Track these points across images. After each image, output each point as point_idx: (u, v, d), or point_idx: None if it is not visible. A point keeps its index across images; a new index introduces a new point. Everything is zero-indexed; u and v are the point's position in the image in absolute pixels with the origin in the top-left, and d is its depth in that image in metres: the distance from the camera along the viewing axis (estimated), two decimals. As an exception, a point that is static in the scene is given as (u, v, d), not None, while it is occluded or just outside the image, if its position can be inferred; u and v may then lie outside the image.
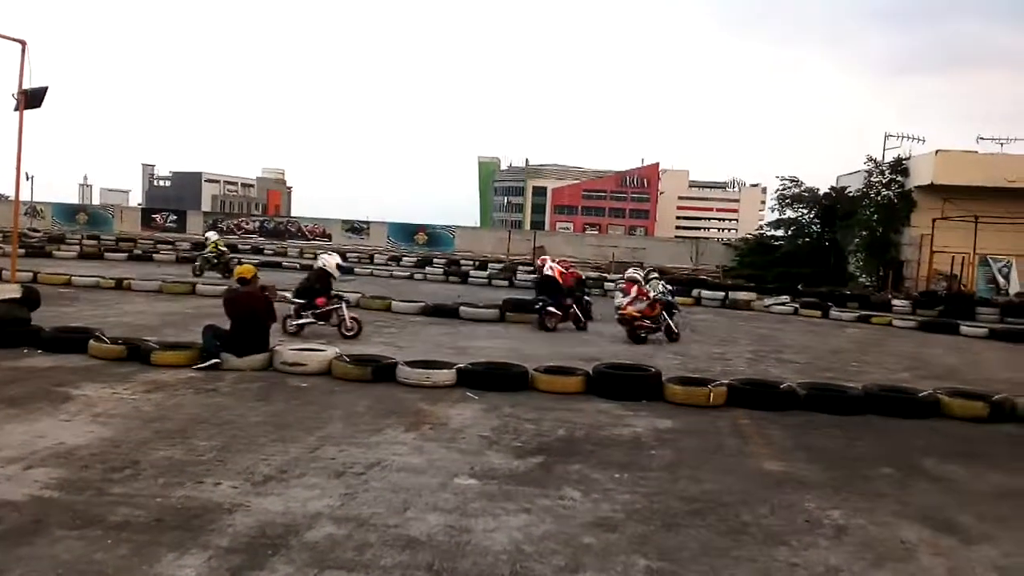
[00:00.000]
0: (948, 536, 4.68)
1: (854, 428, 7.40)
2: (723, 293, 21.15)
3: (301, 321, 10.93)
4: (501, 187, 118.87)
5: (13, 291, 9.46)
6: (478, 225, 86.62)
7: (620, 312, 12.61)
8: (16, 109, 10.71)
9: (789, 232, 32.73)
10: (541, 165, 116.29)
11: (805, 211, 32.44)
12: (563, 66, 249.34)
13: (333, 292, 11.33)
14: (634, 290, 12.65)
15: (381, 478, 5.12)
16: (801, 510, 4.98)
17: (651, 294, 12.72)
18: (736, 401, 7.88)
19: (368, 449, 5.75)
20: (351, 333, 10.97)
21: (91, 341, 8.67)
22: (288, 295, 11.20)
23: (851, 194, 30.99)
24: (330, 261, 11.61)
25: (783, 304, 20.38)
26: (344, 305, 11.19)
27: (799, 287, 24.38)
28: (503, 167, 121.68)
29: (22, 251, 14.77)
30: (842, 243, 30.90)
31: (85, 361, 8.34)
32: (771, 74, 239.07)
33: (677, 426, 7.02)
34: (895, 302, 21.37)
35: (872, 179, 29.77)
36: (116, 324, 10.75)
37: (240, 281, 8.97)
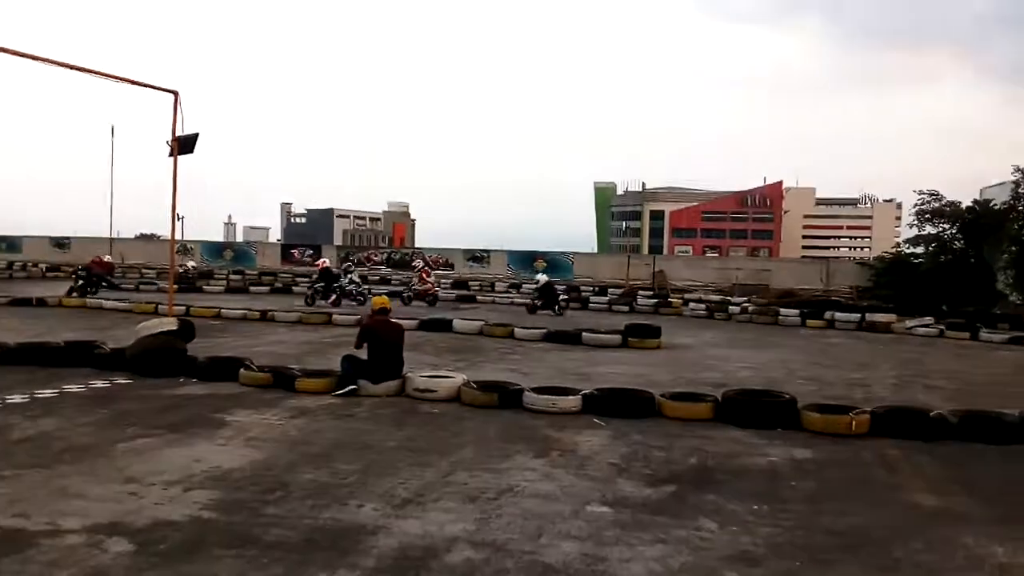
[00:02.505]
0: None
1: (1014, 458, 6.85)
2: (859, 315, 20.05)
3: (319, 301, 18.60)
4: (618, 212, 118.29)
5: (171, 324, 10.26)
6: (595, 251, 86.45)
7: (414, 289, 21.54)
8: (170, 155, 11.58)
9: (930, 249, 30.72)
10: (657, 188, 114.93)
11: (947, 226, 30.41)
12: (678, 88, 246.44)
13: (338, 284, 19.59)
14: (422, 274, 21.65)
15: (514, 504, 5.19)
16: (959, 546, 4.65)
17: (431, 278, 21.97)
18: (880, 430, 7.44)
19: (499, 475, 5.84)
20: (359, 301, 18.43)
21: (241, 369, 9.28)
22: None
23: (997, 207, 28.86)
24: (326, 262, 20.71)
25: (927, 326, 19.11)
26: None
27: (943, 308, 22.82)
28: (619, 192, 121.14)
29: (176, 286, 15.99)
30: (989, 260, 28.72)
31: (236, 388, 8.93)
32: (899, 84, 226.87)
33: (817, 456, 6.72)
34: (1055, 322, 19.61)
35: (1020, 190, 27.63)
36: (262, 353, 11.43)
37: (381, 311, 9.38)
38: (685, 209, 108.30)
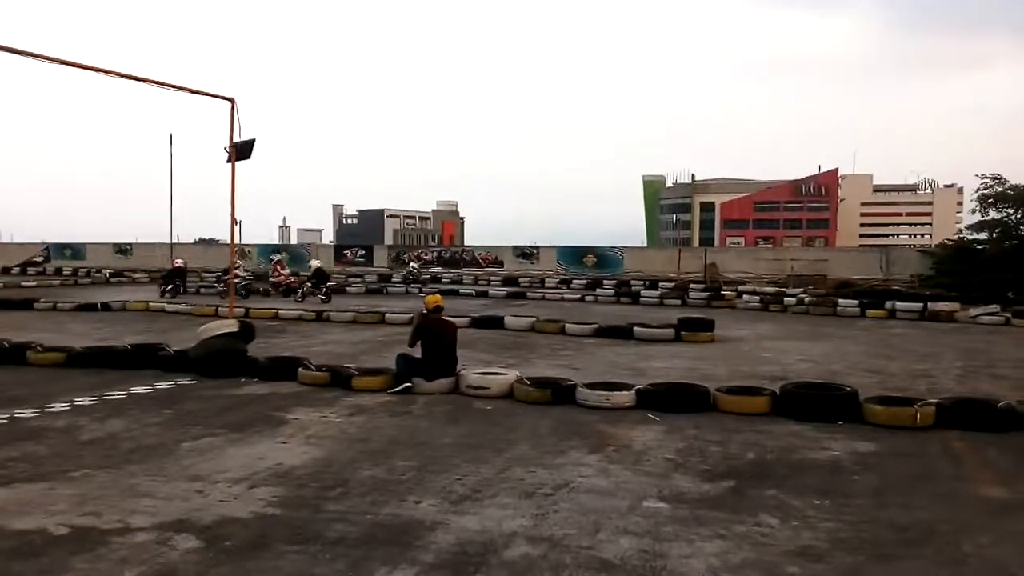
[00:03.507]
0: None
1: (1091, 451, 6.58)
2: (921, 304, 19.46)
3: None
4: (667, 205, 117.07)
5: (231, 325, 10.53)
6: (645, 244, 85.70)
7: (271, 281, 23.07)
8: (228, 161, 11.82)
9: (994, 235, 29.64)
10: (707, 180, 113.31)
11: (1011, 211, 29.30)
12: (728, 77, 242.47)
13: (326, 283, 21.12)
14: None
15: (570, 499, 5.20)
16: (1032, 541, 4.50)
17: (285, 270, 24.05)
18: (946, 422, 7.24)
19: (554, 470, 5.86)
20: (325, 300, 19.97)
21: (300, 369, 9.48)
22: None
23: (1064, 189, 27.72)
24: (315, 264, 22.47)
25: (992, 314, 18.45)
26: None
27: (1009, 295, 22.02)
28: (668, 184, 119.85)
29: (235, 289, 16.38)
30: (1056, 244, 27.60)
31: (295, 387, 9.12)
32: (954, 67, 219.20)
33: (880, 449, 6.56)
34: None
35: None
36: (319, 352, 11.65)
37: (435, 310, 9.49)
38: (736, 200, 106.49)
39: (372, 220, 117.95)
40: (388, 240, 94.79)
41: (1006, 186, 29.51)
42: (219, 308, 17.20)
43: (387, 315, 16.86)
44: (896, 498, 5.30)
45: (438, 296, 9.88)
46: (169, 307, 19.44)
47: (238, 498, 5.19)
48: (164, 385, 9.27)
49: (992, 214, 29.89)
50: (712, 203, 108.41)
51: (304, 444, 6.62)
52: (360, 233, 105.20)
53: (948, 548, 4.39)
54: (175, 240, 43.19)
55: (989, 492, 5.45)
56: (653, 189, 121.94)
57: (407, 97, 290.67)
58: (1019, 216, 29.15)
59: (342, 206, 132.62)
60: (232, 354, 9.95)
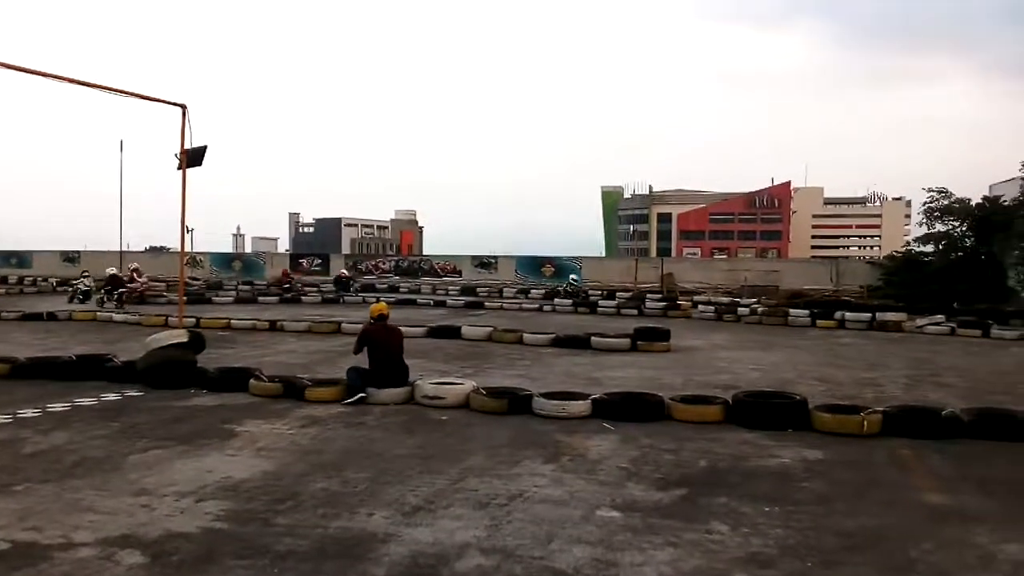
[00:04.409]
0: None
1: (1028, 457, 6.80)
2: (869, 314, 19.92)
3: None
4: (625, 215, 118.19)
5: (181, 335, 10.31)
6: (604, 255, 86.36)
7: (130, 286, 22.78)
8: (179, 168, 11.62)
9: (940, 247, 30.55)
10: (665, 191, 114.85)
11: (957, 224, 30.25)
12: (683, 90, 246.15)
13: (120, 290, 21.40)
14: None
15: (524, 509, 5.19)
16: (971, 545, 4.63)
17: (143, 278, 24.57)
18: (892, 429, 7.41)
19: (509, 480, 5.85)
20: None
21: (251, 380, 9.31)
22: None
23: (1007, 203, 28.71)
24: (110, 271, 23.08)
25: (938, 324, 18.99)
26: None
27: (954, 305, 22.67)
28: (626, 195, 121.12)
29: (185, 298, 16.07)
30: (1000, 256, 28.54)
31: (246, 399, 8.95)
32: (903, 82, 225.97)
33: (828, 456, 6.69)
34: (1067, 317, 19.45)
35: (1031, 186, 27.48)
36: (272, 363, 11.48)
37: (379, 318, 9.51)
38: (693, 211, 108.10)
39: (329, 229, 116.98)
40: (346, 249, 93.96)
41: (952, 199, 30.44)
42: (169, 318, 16.84)
43: (343, 324, 16.68)
44: (843, 505, 5.41)
45: (383, 304, 9.94)
46: (117, 316, 18.98)
47: (185, 512, 5.07)
48: (110, 397, 9.03)
49: (938, 227, 30.80)
50: (669, 214, 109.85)
51: (254, 457, 6.50)
52: (317, 242, 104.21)
53: (893, 554, 4.49)
54: (125, 248, 42.23)
55: (933, 499, 5.59)
56: (611, 200, 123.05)
57: (366, 106, 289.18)
58: (964, 229, 30.09)
59: (298, 214, 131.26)
60: (181, 365, 9.75)
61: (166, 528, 4.75)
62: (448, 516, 5.02)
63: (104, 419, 7.90)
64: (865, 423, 7.41)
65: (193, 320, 16.61)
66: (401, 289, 32.49)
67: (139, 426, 7.60)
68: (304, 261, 44.63)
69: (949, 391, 10.24)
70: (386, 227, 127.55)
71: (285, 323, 17.25)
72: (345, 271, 34.02)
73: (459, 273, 40.53)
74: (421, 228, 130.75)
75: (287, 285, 30.40)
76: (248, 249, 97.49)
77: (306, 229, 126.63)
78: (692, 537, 4.70)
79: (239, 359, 11.89)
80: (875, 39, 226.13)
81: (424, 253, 64.49)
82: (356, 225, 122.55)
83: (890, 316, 19.73)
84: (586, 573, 4.15)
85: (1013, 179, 28.94)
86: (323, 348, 13.88)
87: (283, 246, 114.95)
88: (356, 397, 8.63)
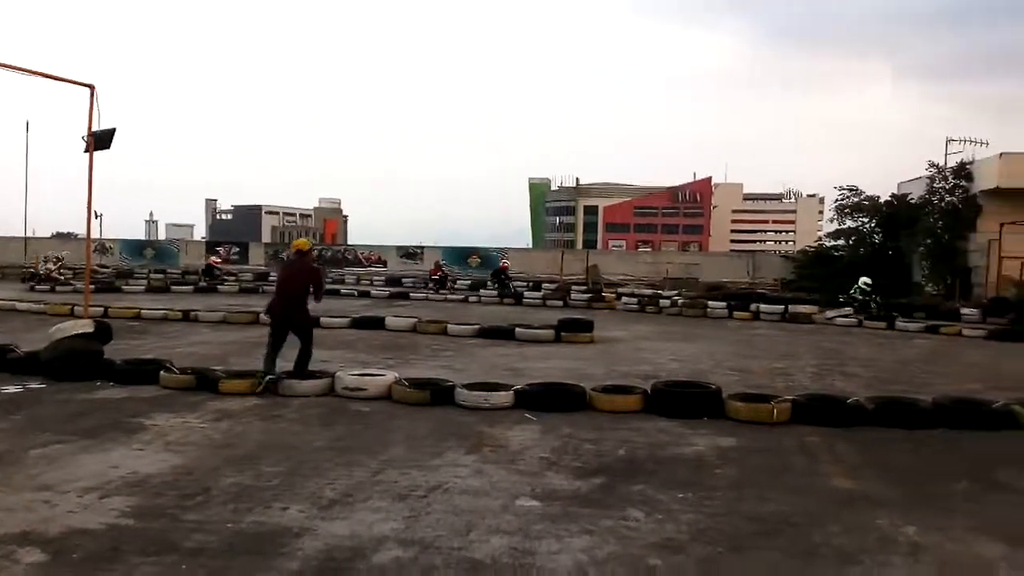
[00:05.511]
0: (1032, 553, 4.49)
1: (926, 442, 7.16)
2: (782, 307, 20.69)
3: None
4: (552, 207, 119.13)
5: (86, 326, 9.83)
6: (530, 246, 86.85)
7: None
8: (86, 151, 11.09)
9: (850, 242, 31.92)
10: (591, 184, 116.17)
11: (866, 220, 31.65)
12: (610, 85, 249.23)
13: None
14: None
15: (444, 501, 5.16)
16: (873, 528, 4.84)
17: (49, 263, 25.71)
18: (801, 417, 7.69)
19: (429, 472, 5.81)
20: None
21: (162, 372, 8.96)
22: None
23: (913, 201, 30.17)
24: None
25: (846, 316, 19.86)
26: None
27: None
28: (554, 187, 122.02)
29: (93, 286, 15.37)
30: (906, 252, 30.01)
31: (156, 391, 8.61)
32: (822, 84, 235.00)
33: (741, 444, 6.89)
34: (964, 311, 20.62)
35: (935, 185, 28.94)
36: (185, 355, 11.09)
37: (297, 253, 9.51)
38: (618, 204, 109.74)
39: (248, 216, 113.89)
40: (266, 238, 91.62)
41: (861, 197, 31.84)
42: (75, 307, 16.08)
43: (262, 316, 16.24)
44: (753, 491, 5.57)
45: (305, 240, 9.92)
46: (21, 305, 18.03)
47: (88, 508, 4.85)
48: (11, 389, 8.58)
49: (848, 223, 32.19)
50: (595, 207, 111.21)
51: (163, 451, 6.26)
52: (235, 230, 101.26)
53: (800, 538, 4.65)
54: (31, 234, 40.11)
55: (838, 484, 5.82)
56: (538, 192, 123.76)
57: (290, 94, 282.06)
58: (873, 225, 31.51)
59: (215, 201, 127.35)
60: (87, 356, 9.30)
61: (68, 525, 4.53)
62: (366, 509, 4.95)
63: (4, 412, 7.49)
64: (775, 411, 7.67)
65: (101, 310, 15.93)
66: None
67: (41, 419, 7.23)
68: (221, 249, 43.33)
69: (855, 380, 10.70)
70: (309, 215, 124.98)
71: (199, 313, 16.71)
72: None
73: (384, 263, 40.12)
74: (346, 217, 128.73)
75: (218, 272, 29.68)
76: (162, 236, 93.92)
77: (224, 216, 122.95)
78: (608, 524, 4.76)
79: (149, 350, 11.47)
80: (796, 41, 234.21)
81: (349, 243, 63.44)
82: (277, 213, 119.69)
83: (802, 308, 20.53)
84: (504, 563, 4.16)
85: (919, 178, 30.39)
86: (239, 339, 13.50)
87: (199, 233, 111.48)
88: (265, 380, 8.50)
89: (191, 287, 26.82)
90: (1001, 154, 26.78)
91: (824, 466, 6.34)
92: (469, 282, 30.53)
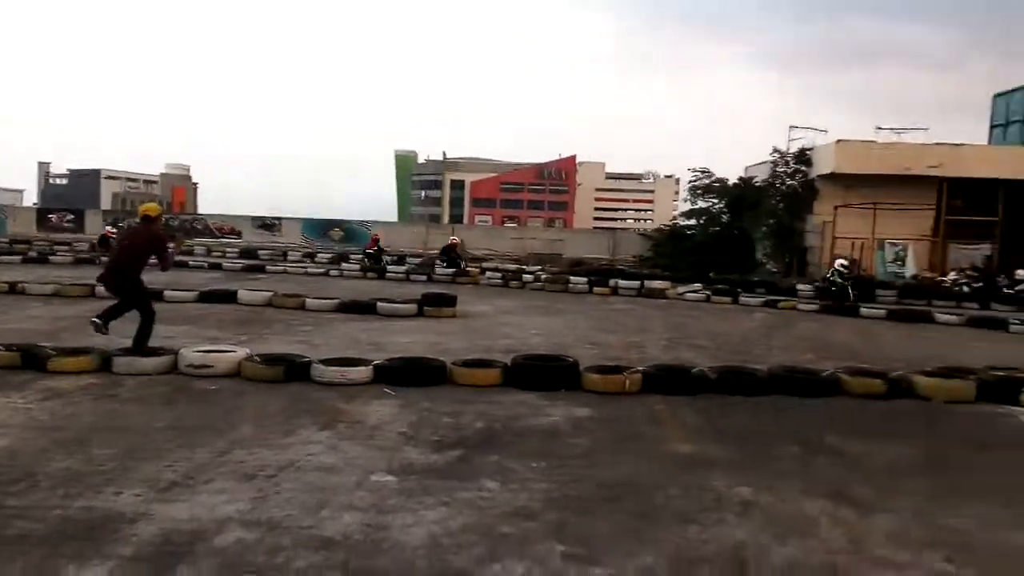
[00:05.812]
0: (848, 508, 4.91)
1: (761, 408, 7.68)
2: (639, 282, 21.54)
3: None
4: (419, 181, 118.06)
5: None
6: (396, 220, 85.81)
7: None
8: None
9: (701, 222, 33.60)
10: (459, 158, 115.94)
11: (716, 201, 33.38)
12: (478, 59, 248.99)
13: None
14: None
15: (294, 479, 5.01)
16: (710, 489, 5.13)
17: None
18: (651, 387, 8.04)
19: (280, 450, 5.62)
20: None
21: (-20, 349, 8.15)
22: None
23: (758, 184, 32.09)
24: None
25: (696, 292, 20.92)
26: None
27: (711, 275, 25.10)
28: (420, 160, 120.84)
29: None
30: (750, 232, 31.96)
31: (-26, 371, 7.84)
32: (683, 69, 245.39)
33: (594, 414, 7.12)
34: (799, 287, 22.25)
35: (778, 169, 30.94)
36: (10, 331, 10.17)
37: (144, 219, 8.92)
38: (485, 180, 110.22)
39: (86, 182, 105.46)
40: (106, 205, 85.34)
41: (712, 179, 33.53)
42: None
43: (98, 288, 15.12)
44: (604, 457, 5.78)
45: (154, 205, 9.25)
46: None
47: None
48: None
49: (700, 203, 33.87)
50: (462, 181, 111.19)
51: (-19, 434, 5.71)
52: (70, 196, 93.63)
53: (642, 502, 4.86)
54: None
55: (680, 448, 6.13)
56: (405, 164, 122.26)
57: (137, 48, 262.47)
58: (722, 206, 33.30)
59: (48, 164, 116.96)
60: None
61: None
62: (209, 491, 4.72)
63: None
64: (628, 382, 7.98)
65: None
66: (171, 249, 30.15)
67: None
68: (54, 216, 40.02)
69: (701, 352, 11.31)
70: (155, 182, 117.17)
71: (28, 285, 15.34)
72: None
73: (238, 234, 38.40)
74: (196, 185, 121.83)
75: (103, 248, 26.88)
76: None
77: (58, 181, 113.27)
78: (464, 496, 4.79)
79: (-31, 326, 10.41)
80: (664, 24, 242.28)
81: (199, 212, 60.17)
82: (119, 178, 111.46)
83: (656, 284, 21.48)
84: (356, 539, 4.09)
85: (765, 162, 32.35)
86: (72, 314, 12.48)
87: (30, 199, 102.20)
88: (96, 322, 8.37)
89: (20, 257, 24.58)
90: (838, 141, 29.00)
91: (669, 432, 6.66)
92: (330, 256, 29.75)
